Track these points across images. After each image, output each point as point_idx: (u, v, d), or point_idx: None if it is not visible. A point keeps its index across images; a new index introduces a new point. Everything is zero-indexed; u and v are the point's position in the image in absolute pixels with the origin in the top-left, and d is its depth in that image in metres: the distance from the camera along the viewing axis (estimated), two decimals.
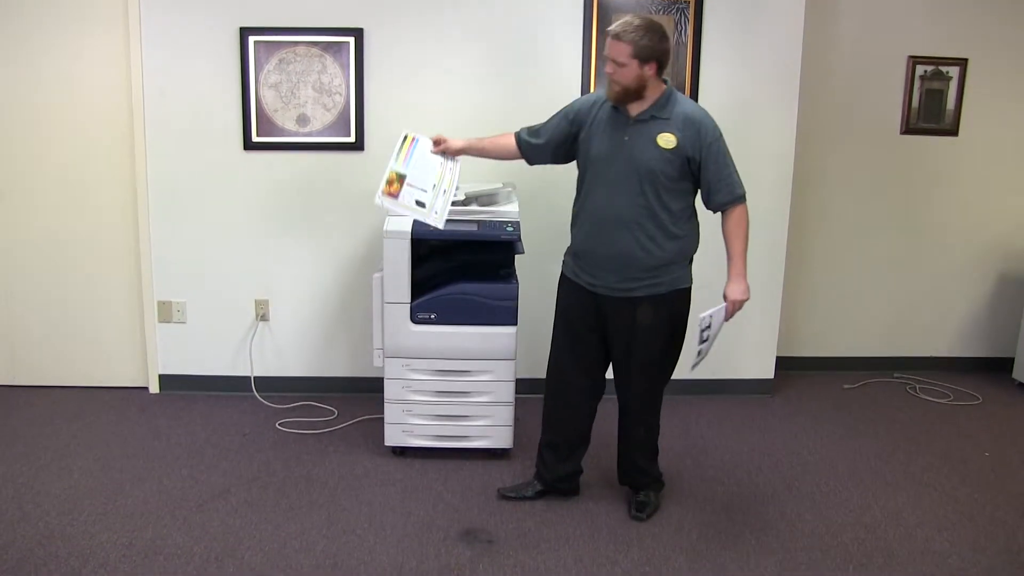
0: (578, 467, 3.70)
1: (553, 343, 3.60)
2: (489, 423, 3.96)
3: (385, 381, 3.92)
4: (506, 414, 3.95)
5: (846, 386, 5.21)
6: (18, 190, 4.61)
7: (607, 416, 3.69)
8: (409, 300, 3.80)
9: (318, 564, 3.14)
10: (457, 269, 3.95)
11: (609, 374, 3.57)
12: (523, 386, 4.13)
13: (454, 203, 3.76)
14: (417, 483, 3.78)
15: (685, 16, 4.50)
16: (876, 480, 3.95)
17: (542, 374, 4.29)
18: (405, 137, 3.64)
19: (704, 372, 4.66)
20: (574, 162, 3.52)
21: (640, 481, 3.61)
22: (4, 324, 4.75)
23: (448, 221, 3.73)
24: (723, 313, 3.33)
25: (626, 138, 3.25)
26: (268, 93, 4.47)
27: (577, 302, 3.46)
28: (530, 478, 3.74)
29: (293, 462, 3.97)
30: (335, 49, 4.44)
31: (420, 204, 3.59)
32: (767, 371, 5.00)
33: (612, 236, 3.27)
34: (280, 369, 4.79)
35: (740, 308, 3.35)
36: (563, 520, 3.50)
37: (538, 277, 4.40)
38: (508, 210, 3.87)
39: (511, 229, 3.78)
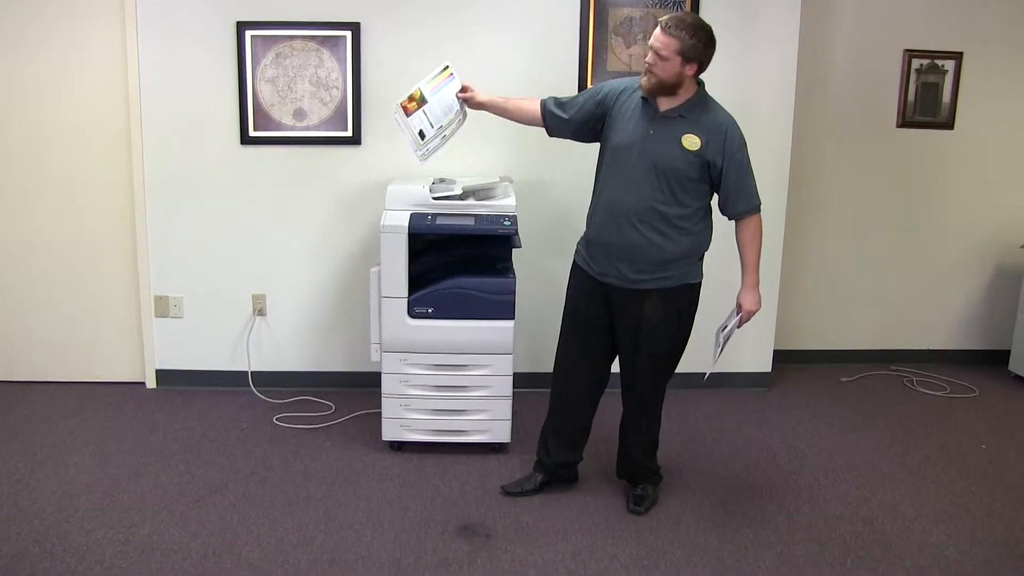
0: (579, 455, 3.73)
1: (562, 333, 3.61)
2: (487, 417, 3.96)
3: (382, 376, 3.92)
4: (504, 408, 3.95)
5: (843, 379, 5.22)
6: (14, 185, 4.60)
7: (605, 409, 3.69)
8: (406, 295, 3.79)
9: (315, 559, 3.14)
10: (454, 263, 3.95)
11: (615, 367, 3.58)
12: (521, 380, 4.14)
13: (450, 197, 3.76)
14: (415, 478, 3.78)
15: (681, 7, 4.49)
16: (873, 473, 3.96)
17: (540, 368, 4.32)
18: (446, 67, 3.59)
19: (702, 365, 4.68)
20: (579, 152, 3.53)
21: (638, 474, 3.61)
22: (0, 320, 4.73)
23: (445, 215, 3.74)
24: (738, 321, 3.36)
25: (651, 132, 3.24)
26: (265, 87, 4.46)
27: (587, 292, 3.46)
28: (530, 471, 3.75)
29: (290, 457, 3.97)
30: (332, 43, 4.43)
31: (422, 135, 3.56)
32: (764, 365, 5.00)
33: (625, 227, 3.27)
34: (277, 364, 4.79)
35: (751, 317, 3.39)
36: (561, 514, 3.50)
37: (535, 271, 4.41)
38: (505, 204, 3.86)
39: (508, 223, 3.78)
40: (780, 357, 5.10)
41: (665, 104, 3.25)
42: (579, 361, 3.56)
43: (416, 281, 3.82)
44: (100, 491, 3.58)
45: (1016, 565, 3.23)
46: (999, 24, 5.18)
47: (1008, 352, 5.39)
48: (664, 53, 3.13)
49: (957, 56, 5.20)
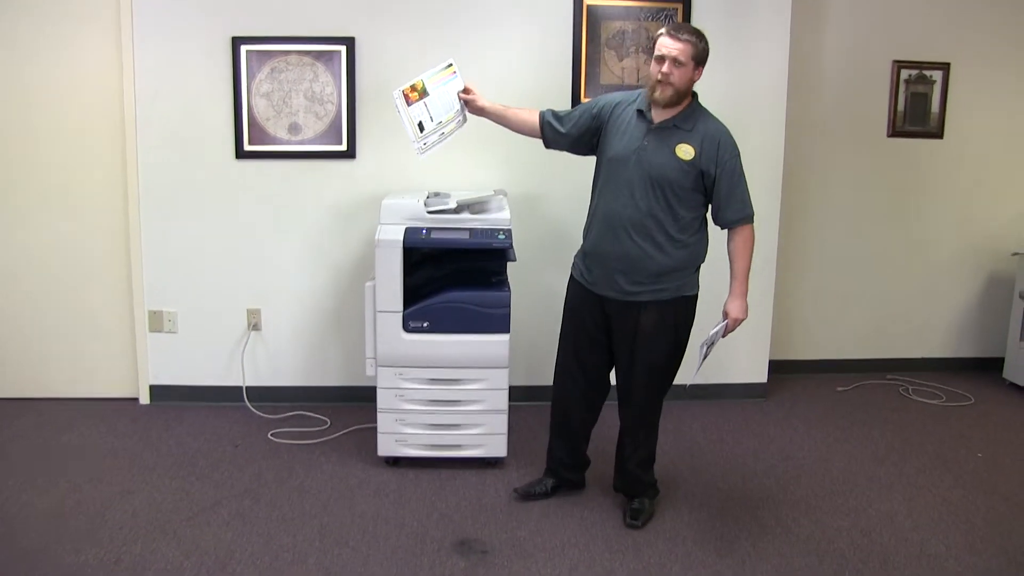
0: (585, 462, 3.76)
1: (560, 344, 3.63)
2: (483, 432, 3.94)
3: (378, 390, 3.90)
4: (500, 422, 3.94)
5: (839, 388, 5.23)
6: (8, 198, 4.58)
7: (603, 421, 3.70)
8: (401, 309, 3.78)
9: None
10: (449, 277, 3.94)
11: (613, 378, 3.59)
12: (516, 394, 4.12)
13: (445, 211, 3.76)
14: (411, 493, 3.76)
15: (672, 21, 4.49)
16: (871, 483, 3.95)
17: (535, 381, 4.31)
18: (449, 65, 3.60)
19: (697, 377, 4.68)
20: (573, 165, 3.55)
21: (635, 488, 3.60)
22: None
23: (440, 229, 3.74)
24: (723, 329, 3.35)
25: (645, 143, 3.27)
26: (260, 102, 4.46)
27: (584, 304, 3.48)
28: (541, 475, 3.77)
29: (285, 473, 3.94)
30: (327, 58, 4.43)
31: (421, 127, 3.56)
32: (760, 375, 5.01)
33: (621, 238, 3.29)
34: (272, 378, 4.77)
35: (738, 326, 3.38)
36: (558, 529, 3.49)
37: (530, 284, 4.40)
38: (499, 217, 3.85)
39: (503, 237, 3.77)
40: (776, 367, 5.10)
41: (660, 115, 3.28)
42: (578, 372, 3.57)
43: (411, 295, 3.81)
44: (92, 509, 3.54)
45: (1016, 574, 3.22)
46: (985, 35, 5.24)
47: (1002, 359, 5.40)
48: (682, 59, 3.18)
49: (945, 67, 5.25)
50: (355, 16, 4.44)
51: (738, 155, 3.29)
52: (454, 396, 3.90)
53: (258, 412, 4.59)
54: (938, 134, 5.34)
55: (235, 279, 4.65)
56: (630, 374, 3.44)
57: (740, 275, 3.35)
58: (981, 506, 3.73)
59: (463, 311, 3.79)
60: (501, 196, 4.12)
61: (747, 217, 3.32)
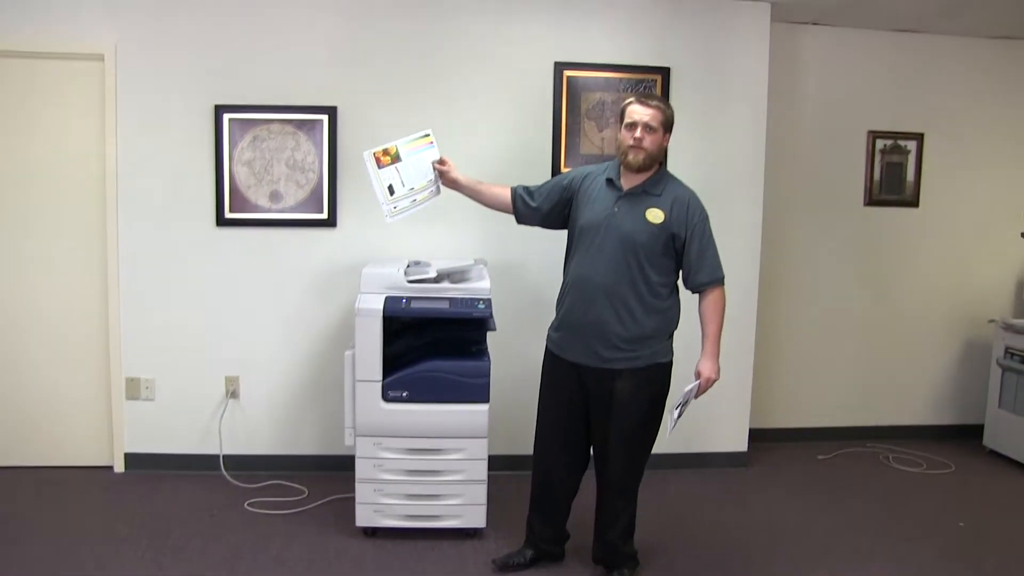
0: (564, 534, 3.73)
1: (538, 417, 3.63)
2: (462, 502, 3.91)
3: (356, 460, 3.87)
4: (479, 493, 3.90)
5: (820, 456, 5.22)
6: None
7: (582, 491, 3.67)
8: (381, 378, 3.77)
9: None
10: (429, 346, 3.94)
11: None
12: (496, 463, 4.09)
13: (425, 280, 3.78)
14: (390, 564, 3.71)
15: (651, 91, 4.57)
16: (852, 553, 3.93)
17: (514, 451, 4.29)
18: (427, 135, 3.65)
19: (678, 446, 4.66)
20: (554, 233, 3.62)
21: (615, 559, 3.57)
22: None
23: (420, 298, 3.75)
24: (695, 389, 3.35)
25: (616, 209, 3.33)
26: (242, 169, 4.48)
27: (560, 375, 3.49)
28: (520, 546, 3.74)
29: (262, 544, 3.88)
30: (309, 127, 4.48)
31: (391, 190, 3.58)
32: (741, 444, 5.00)
33: (594, 304, 3.32)
34: (250, 447, 4.71)
35: (711, 386, 3.39)
36: None
37: (511, 353, 4.40)
38: (479, 287, 3.87)
39: (483, 306, 3.78)
40: (756, 435, 5.10)
41: (629, 182, 3.36)
42: (556, 443, 3.56)
43: (391, 364, 3.80)
44: None
45: None
46: (957, 106, 5.37)
47: (982, 426, 5.42)
48: (654, 124, 3.29)
49: (919, 137, 5.36)
50: (337, 86, 4.50)
51: (707, 218, 3.35)
52: (433, 466, 3.87)
53: (235, 481, 4.53)
54: (914, 203, 5.43)
55: (214, 346, 4.63)
56: (607, 444, 3.43)
57: (712, 336, 3.37)
58: None
59: (442, 380, 3.79)
60: (481, 265, 4.14)
61: (718, 280, 3.36)
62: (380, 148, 3.58)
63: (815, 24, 5.15)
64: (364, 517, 3.92)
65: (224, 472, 4.59)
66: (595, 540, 3.65)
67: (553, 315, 3.56)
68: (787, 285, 5.31)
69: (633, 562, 3.61)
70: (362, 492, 3.89)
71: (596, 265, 3.33)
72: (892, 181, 5.39)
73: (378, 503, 3.89)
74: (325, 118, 4.47)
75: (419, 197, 3.64)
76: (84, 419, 4.69)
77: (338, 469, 4.47)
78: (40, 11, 4.35)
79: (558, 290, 3.53)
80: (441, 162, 3.66)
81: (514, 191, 3.62)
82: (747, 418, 4.98)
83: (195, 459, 4.67)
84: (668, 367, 3.44)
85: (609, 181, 3.41)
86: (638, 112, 3.30)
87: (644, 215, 3.30)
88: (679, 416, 3.34)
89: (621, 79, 4.60)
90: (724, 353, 4.34)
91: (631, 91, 4.54)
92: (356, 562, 3.73)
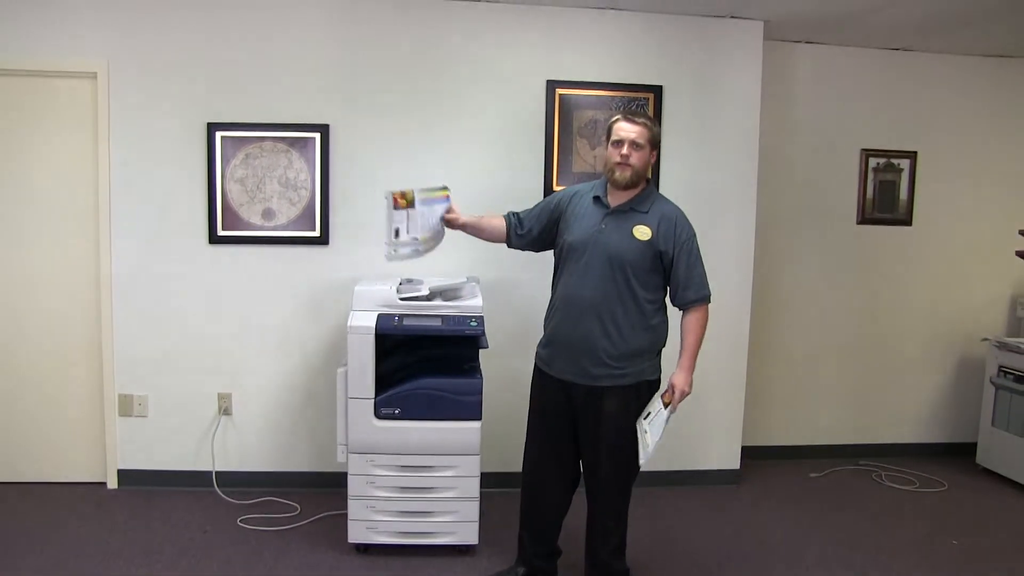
0: (556, 549, 3.72)
1: (527, 434, 3.63)
2: (454, 519, 3.91)
3: (349, 477, 3.88)
4: (471, 509, 3.90)
5: (812, 474, 5.22)
6: None
7: (574, 508, 3.66)
8: (373, 395, 3.78)
9: None
10: (421, 363, 3.95)
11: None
12: (488, 480, 4.10)
13: (417, 298, 3.80)
14: None
15: (644, 110, 4.60)
16: (845, 571, 3.93)
17: (507, 468, 4.28)
18: (444, 187, 3.65)
19: (671, 464, 4.68)
20: (546, 252, 3.64)
21: None
22: None
23: (412, 316, 3.76)
24: (664, 408, 3.32)
25: (603, 226, 3.35)
26: (234, 187, 4.50)
27: (548, 393, 3.49)
28: (512, 564, 3.74)
29: (254, 560, 3.88)
30: (301, 144, 4.49)
31: (396, 233, 3.56)
32: (733, 461, 5.00)
33: (582, 321, 3.33)
34: (242, 464, 4.71)
35: (682, 399, 3.36)
36: None
37: (502, 371, 4.40)
38: (472, 304, 3.89)
39: (475, 324, 3.79)
40: (748, 453, 5.10)
41: (616, 199, 3.39)
42: (546, 461, 3.56)
43: (383, 381, 3.81)
44: None
45: None
46: (950, 125, 5.40)
47: (975, 444, 5.42)
48: (640, 141, 3.31)
49: (911, 155, 5.38)
50: (330, 104, 4.52)
51: (694, 236, 3.37)
52: (425, 483, 3.88)
53: (227, 498, 4.53)
54: (907, 221, 5.45)
55: (206, 363, 4.63)
56: (596, 461, 3.43)
57: (690, 350, 3.38)
58: None
59: (435, 398, 3.80)
60: (473, 283, 4.16)
61: (704, 298, 3.38)
62: (399, 190, 3.55)
63: (808, 42, 5.18)
64: (356, 534, 3.92)
65: (217, 488, 4.58)
66: (587, 557, 3.64)
67: (543, 333, 3.57)
68: (780, 303, 5.33)
69: None
70: (354, 509, 3.89)
71: (584, 282, 3.34)
72: (885, 199, 5.41)
73: (370, 520, 3.89)
74: (318, 136, 4.49)
75: (422, 247, 3.62)
76: (77, 435, 4.69)
77: (330, 486, 4.47)
78: (32, 29, 4.37)
79: (545, 308, 3.54)
80: (449, 210, 3.65)
81: (507, 219, 3.64)
82: (739, 435, 4.98)
83: (188, 475, 4.67)
84: (655, 385, 3.44)
85: (596, 199, 3.43)
86: (625, 129, 3.33)
87: (631, 232, 3.32)
88: (658, 438, 3.29)
89: (614, 97, 4.62)
90: (717, 370, 4.34)
91: (624, 109, 4.57)
92: None
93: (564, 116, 4.61)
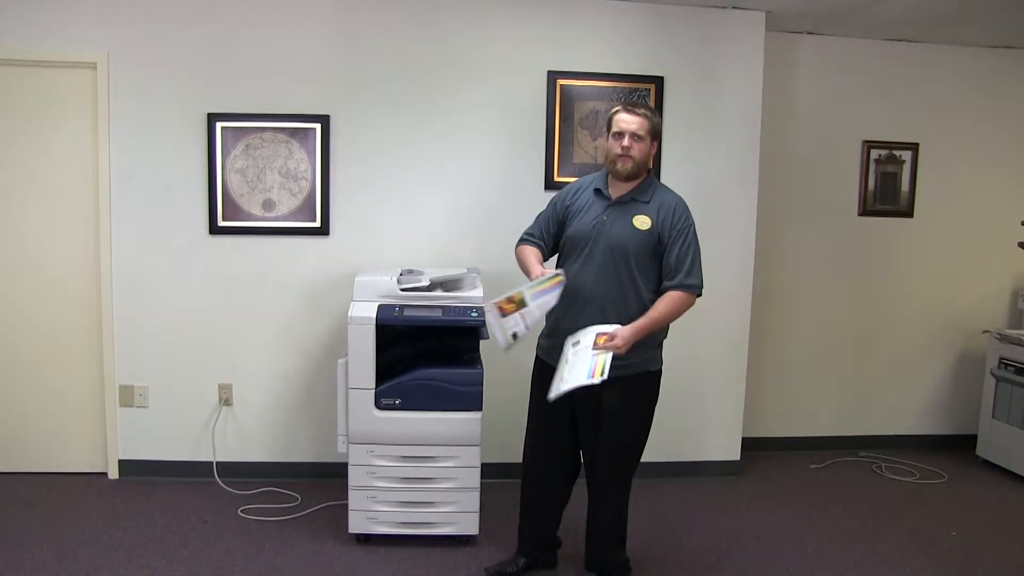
0: (556, 539, 3.74)
1: (528, 425, 3.63)
2: (454, 509, 3.91)
3: (349, 467, 3.88)
4: (471, 500, 3.91)
5: (813, 466, 5.22)
6: None
7: (575, 501, 3.67)
8: (374, 386, 3.78)
9: None
10: (422, 354, 3.95)
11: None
12: (489, 471, 4.10)
13: (418, 288, 3.81)
14: (382, 571, 3.71)
15: (645, 101, 4.59)
16: (845, 562, 3.93)
17: (507, 459, 4.29)
18: (557, 275, 3.33)
19: (671, 454, 4.68)
20: None
21: (607, 567, 3.57)
22: None
23: (413, 307, 3.77)
24: (594, 339, 3.20)
25: (605, 217, 3.35)
26: (235, 178, 4.49)
27: (549, 383, 3.46)
28: (512, 554, 3.74)
29: (255, 550, 3.89)
30: (302, 135, 4.49)
31: (515, 336, 3.31)
32: (733, 453, 5.00)
33: (583, 312, 3.32)
34: (243, 454, 4.72)
35: (611, 348, 3.17)
36: None
37: (503, 362, 4.38)
38: (472, 295, 3.89)
39: (475, 314, 3.79)
40: (749, 444, 5.10)
41: (618, 191, 3.38)
42: (546, 453, 3.57)
43: (383, 372, 3.81)
44: None
45: None
46: (952, 116, 5.38)
47: (975, 436, 5.42)
48: (641, 132, 3.30)
49: (914, 147, 5.36)
50: (330, 94, 4.51)
51: (691, 225, 3.34)
52: (426, 473, 3.88)
53: (228, 488, 4.53)
54: (908, 213, 5.44)
55: (207, 354, 4.64)
56: (596, 453, 3.44)
57: (650, 319, 3.26)
58: None
59: (435, 388, 3.80)
60: (474, 274, 4.15)
61: (691, 287, 3.31)
62: (503, 297, 3.30)
63: (810, 33, 5.17)
64: (357, 524, 3.92)
65: (218, 479, 4.59)
66: (587, 548, 3.65)
67: (545, 324, 3.57)
68: (780, 294, 5.32)
69: (625, 569, 3.61)
70: (355, 499, 3.90)
71: (586, 273, 3.34)
72: (887, 191, 5.40)
73: (371, 510, 3.90)
74: (318, 127, 4.48)
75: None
76: (78, 426, 4.69)
77: (331, 476, 4.47)
78: (33, 19, 4.36)
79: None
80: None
81: (536, 245, 3.54)
82: (740, 427, 4.99)
83: (189, 466, 4.68)
84: (657, 376, 3.45)
85: (598, 191, 3.43)
86: (625, 121, 3.32)
87: (632, 222, 3.32)
88: (576, 383, 3.13)
89: (615, 88, 4.61)
90: (717, 359, 4.33)
91: (625, 100, 4.56)
92: (349, 569, 3.73)
93: (565, 107, 4.60)
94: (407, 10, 4.52)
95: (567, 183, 4.37)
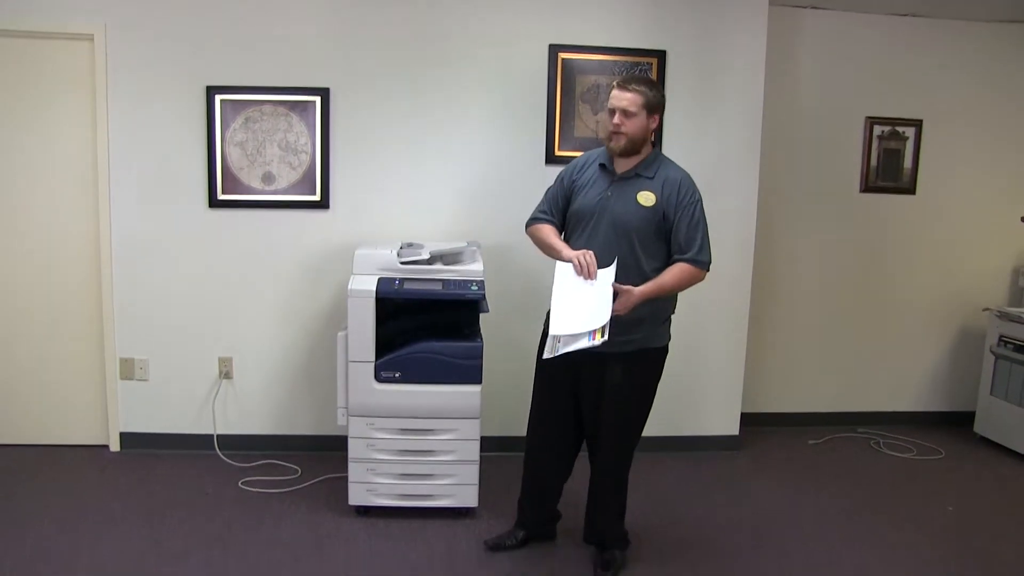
0: (555, 514, 3.76)
1: (533, 398, 3.64)
2: (454, 482, 3.93)
3: (349, 440, 3.89)
4: (471, 473, 3.92)
5: (811, 441, 5.24)
6: None
7: (576, 475, 3.69)
8: (374, 359, 3.78)
9: None
10: (422, 328, 3.95)
11: None
12: (489, 444, 4.12)
13: (418, 262, 3.82)
14: (381, 544, 3.73)
15: (647, 75, 4.55)
16: (842, 537, 3.95)
17: (507, 432, 4.31)
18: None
19: (670, 429, 4.69)
20: None
21: (606, 539, 3.59)
22: None
23: (413, 280, 3.78)
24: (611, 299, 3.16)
25: (609, 193, 3.32)
26: (234, 151, 4.48)
27: (553, 359, 3.47)
28: (512, 527, 3.76)
29: (255, 522, 3.91)
30: (301, 108, 4.47)
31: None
32: (732, 427, 5.01)
33: None
34: (243, 427, 4.73)
35: (614, 304, 3.14)
36: None
37: (503, 336, 4.41)
38: (473, 269, 3.89)
39: (476, 288, 3.79)
40: (748, 420, 5.11)
41: (622, 166, 3.35)
42: (549, 427, 3.58)
43: (383, 345, 3.81)
44: (59, 558, 3.49)
45: None
46: (956, 93, 5.34)
47: (973, 413, 5.43)
48: (632, 109, 3.24)
49: (917, 123, 5.34)
50: (330, 67, 4.49)
51: (698, 201, 3.30)
52: (425, 446, 3.89)
53: (229, 460, 4.55)
54: (910, 190, 5.42)
55: (207, 327, 4.64)
56: (598, 428, 3.45)
57: (656, 283, 3.23)
58: (952, 561, 3.74)
59: (435, 362, 3.80)
60: (474, 247, 4.15)
61: (702, 263, 3.28)
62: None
63: (814, 8, 5.13)
64: (357, 496, 3.94)
65: (218, 451, 4.61)
66: (587, 521, 3.67)
67: (546, 297, 3.55)
68: (781, 270, 5.31)
69: (624, 543, 3.63)
70: (355, 471, 3.91)
71: (591, 248, 3.29)
72: (889, 168, 5.38)
73: (371, 482, 3.91)
74: (318, 99, 4.47)
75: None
76: (80, 399, 4.71)
77: (331, 449, 4.49)
78: None
79: (551, 274, 3.51)
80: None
81: (549, 223, 3.52)
82: (739, 402, 5.00)
83: (190, 439, 4.70)
84: (662, 352, 3.43)
85: (603, 166, 3.40)
86: (616, 97, 3.28)
87: (636, 198, 3.28)
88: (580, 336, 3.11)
89: (616, 62, 4.59)
90: (717, 335, 4.32)
91: (625, 75, 4.54)
92: (348, 540, 3.75)
93: (567, 81, 4.57)
94: None
95: (568, 157, 4.36)
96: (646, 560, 3.66)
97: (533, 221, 3.57)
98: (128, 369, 4.64)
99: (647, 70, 4.59)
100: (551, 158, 4.56)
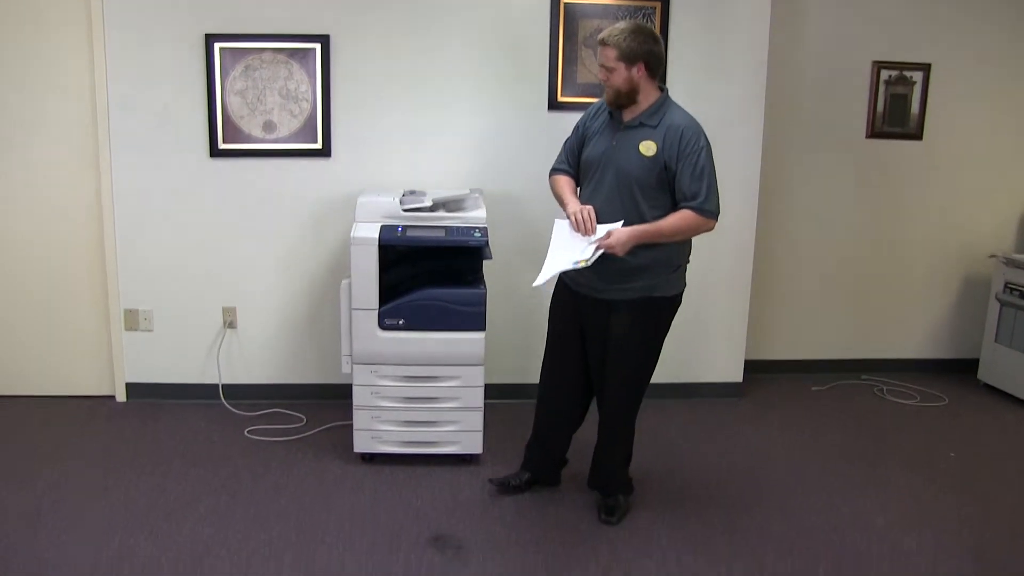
0: (563, 459, 3.79)
1: (546, 344, 3.66)
2: (458, 428, 3.95)
3: (354, 387, 3.91)
4: (475, 420, 3.94)
5: (814, 388, 5.25)
6: None
7: (586, 421, 3.72)
8: (377, 306, 3.78)
9: (287, 574, 3.11)
10: (425, 275, 3.94)
11: None
12: (492, 391, 4.13)
13: (421, 209, 3.80)
14: (386, 490, 3.76)
15: (651, 21, 4.51)
16: (845, 482, 3.97)
17: (510, 379, 4.32)
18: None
19: (673, 376, 4.69)
20: (549, 164, 3.61)
21: (610, 485, 3.61)
22: None
23: (415, 227, 3.78)
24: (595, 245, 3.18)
25: (614, 143, 3.30)
26: (234, 100, 4.44)
27: (563, 303, 3.52)
28: (518, 468, 3.79)
29: (261, 470, 3.94)
30: (301, 56, 4.42)
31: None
32: (736, 374, 5.02)
33: None
34: (248, 376, 4.75)
35: (604, 248, 3.17)
36: (533, 524, 3.50)
37: (506, 282, 4.40)
38: (475, 215, 3.88)
39: (478, 234, 3.78)
40: (751, 367, 5.11)
41: (628, 115, 3.31)
42: (559, 373, 3.60)
43: (387, 293, 3.81)
44: (69, 507, 3.53)
45: (985, 572, 3.25)
46: (966, 36, 5.24)
47: (977, 361, 5.43)
48: (609, 64, 3.22)
49: (925, 67, 5.26)
50: (330, 14, 4.42)
51: (703, 148, 3.21)
52: (430, 393, 3.91)
53: (234, 410, 4.58)
54: (917, 135, 5.35)
55: (210, 277, 4.64)
56: (603, 375, 3.45)
57: (654, 226, 3.20)
58: (953, 505, 3.76)
59: (438, 308, 3.80)
60: (477, 194, 4.13)
61: (709, 212, 3.22)
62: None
63: None
64: (362, 443, 3.97)
65: (224, 401, 4.63)
66: (592, 466, 3.69)
67: (548, 246, 3.54)
68: (785, 216, 5.28)
69: (628, 488, 3.65)
70: (359, 419, 3.93)
71: (596, 198, 3.31)
72: (896, 113, 5.31)
73: (375, 430, 3.93)
74: (318, 47, 4.41)
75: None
76: (85, 350, 4.72)
77: (335, 397, 4.52)
78: None
79: (553, 220, 3.49)
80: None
81: (566, 173, 3.51)
82: (742, 349, 5.00)
83: (195, 388, 4.72)
84: (668, 301, 3.40)
85: (611, 114, 3.37)
86: (599, 53, 3.27)
87: (638, 148, 3.24)
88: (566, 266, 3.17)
89: (620, 6, 4.52)
90: (720, 281, 4.30)
91: (630, 17, 4.47)
92: (354, 487, 3.78)
93: (569, 26, 4.51)
94: None
95: (569, 103, 4.32)
96: (649, 506, 3.68)
97: (552, 172, 3.56)
98: (133, 320, 4.65)
99: (651, 15, 4.53)
100: (553, 104, 4.52)
